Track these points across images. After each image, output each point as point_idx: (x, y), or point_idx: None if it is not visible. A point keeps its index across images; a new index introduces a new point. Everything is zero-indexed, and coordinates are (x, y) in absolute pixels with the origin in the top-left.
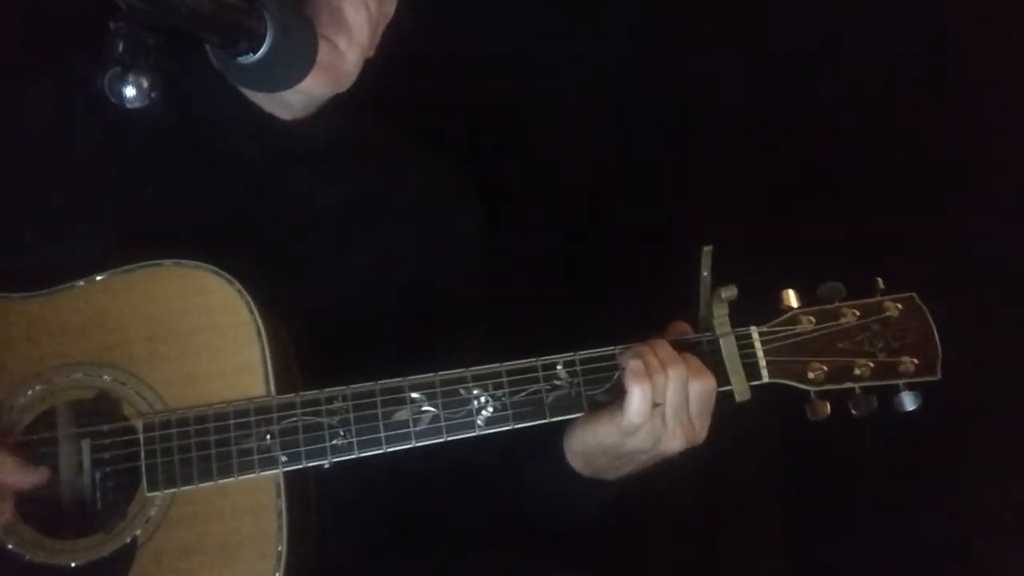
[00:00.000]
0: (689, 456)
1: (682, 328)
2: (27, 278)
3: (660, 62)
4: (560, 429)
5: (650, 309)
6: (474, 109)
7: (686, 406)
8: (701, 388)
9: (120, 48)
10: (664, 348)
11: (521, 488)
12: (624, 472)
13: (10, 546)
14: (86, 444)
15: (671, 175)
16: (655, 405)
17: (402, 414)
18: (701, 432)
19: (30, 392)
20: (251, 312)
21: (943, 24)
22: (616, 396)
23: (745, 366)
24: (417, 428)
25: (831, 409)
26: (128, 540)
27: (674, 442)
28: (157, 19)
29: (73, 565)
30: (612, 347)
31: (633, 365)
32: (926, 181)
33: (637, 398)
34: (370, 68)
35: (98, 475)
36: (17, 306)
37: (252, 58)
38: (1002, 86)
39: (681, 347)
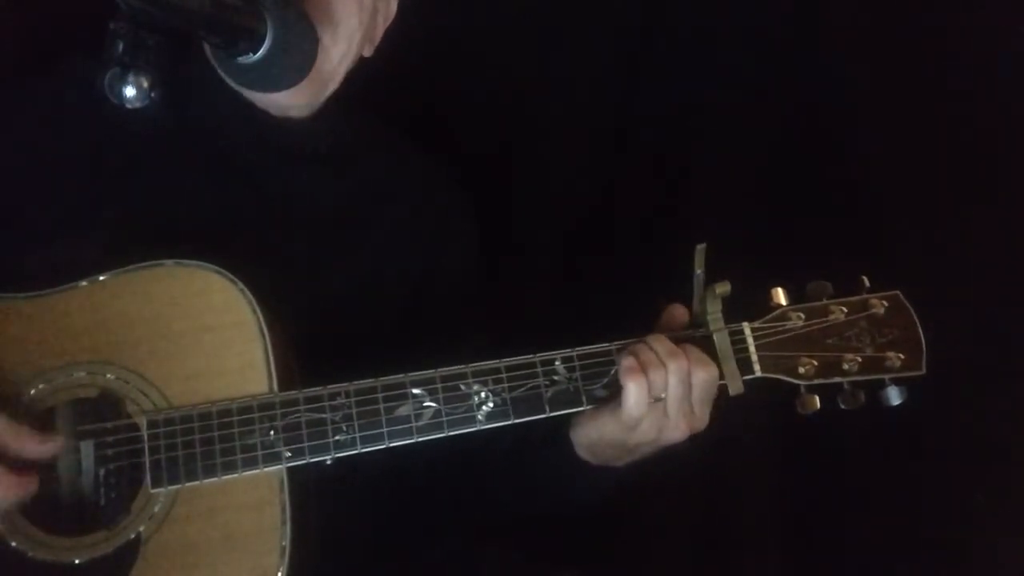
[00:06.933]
0: (688, 452)
1: (679, 312)
2: (29, 279)
3: (658, 62)
4: (567, 423)
5: (646, 306)
6: (473, 108)
7: (688, 397)
8: (704, 376)
9: (120, 48)
10: (662, 343)
11: (531, 480)
12: (629, 459)
13: (13, 544)
14: (88, 442)
15: (667, 175)
16: (657, 400)
17: (404, 409)
18: (703, 420)
19: (32, 391)
20: (253, 311)
21: (940, 24)
22: (614, 391)
23: (738, 360)
24: (419, 423)
25: (820, 404)
26: (131, 537)
27: (677, 432)
28: (157, 19)
29: (76, 562)
30: (609, 343)
31: (626, 362)
32: (912, 181)
33: (633, 392)
34: (370, 68)
35: (101, 472)
36: (19, 306)
37: (252, 58)
38: (997, 85)
39: (678, 341)
